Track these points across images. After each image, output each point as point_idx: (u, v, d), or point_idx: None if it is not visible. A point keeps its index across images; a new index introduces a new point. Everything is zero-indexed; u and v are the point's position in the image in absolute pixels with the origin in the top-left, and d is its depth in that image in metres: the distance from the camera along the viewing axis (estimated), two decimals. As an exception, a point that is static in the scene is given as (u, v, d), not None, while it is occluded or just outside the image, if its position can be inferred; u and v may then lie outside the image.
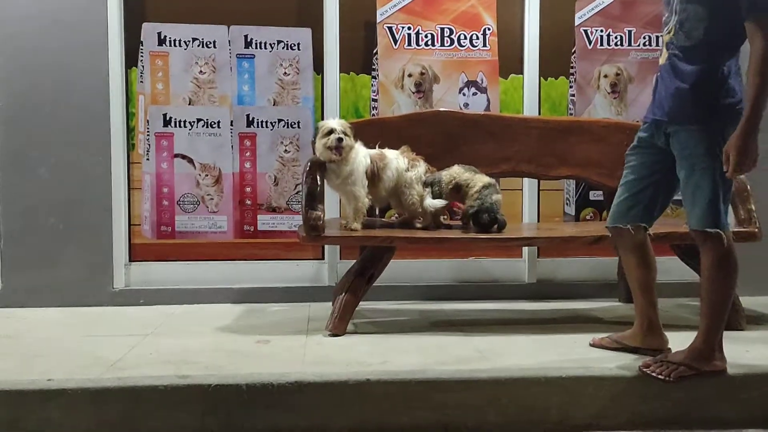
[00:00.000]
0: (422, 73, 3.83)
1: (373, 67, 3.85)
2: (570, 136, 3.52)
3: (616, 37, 3.94)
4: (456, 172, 3.20)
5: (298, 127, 3.83)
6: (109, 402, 2.28)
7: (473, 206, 3.09)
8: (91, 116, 3.58)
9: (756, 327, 3.16)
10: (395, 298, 3.70)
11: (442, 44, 3.85)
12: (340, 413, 2.33)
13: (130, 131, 3.75)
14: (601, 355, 2.67)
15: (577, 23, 3.93)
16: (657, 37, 3.91)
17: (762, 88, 2.21)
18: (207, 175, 3.81)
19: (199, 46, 3.76)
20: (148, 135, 3.76)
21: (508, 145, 3.49)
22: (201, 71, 3.77)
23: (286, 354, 2.69)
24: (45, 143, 3.55)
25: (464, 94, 3.88)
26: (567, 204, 4.04)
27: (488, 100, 3.88)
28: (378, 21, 3.81)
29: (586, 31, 3.94)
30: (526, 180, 3.85)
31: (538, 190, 3.91)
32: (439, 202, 3.13)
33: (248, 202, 3.85)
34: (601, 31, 3.94)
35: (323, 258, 3.83)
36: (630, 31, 3.94)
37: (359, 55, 3.88)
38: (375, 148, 3.20)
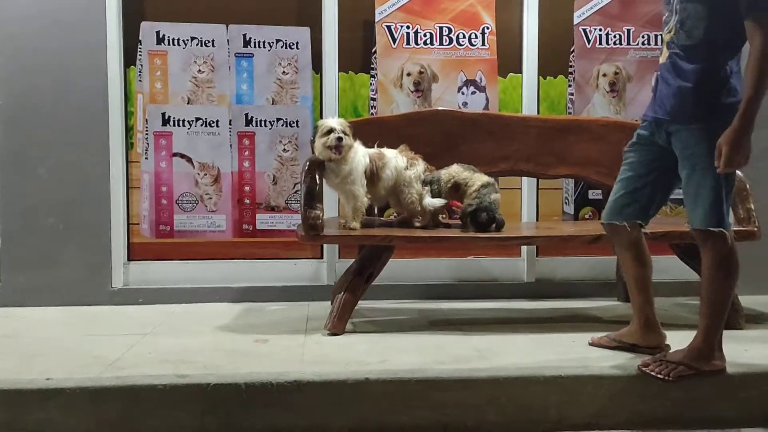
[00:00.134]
0: (421, 72, 3.83)
1: (372, 66, 3.85)
2: (569, 135, 3.52)
3: (614, 36, 3.95)
4: (455, 171, 3.20)
5: (297, 126, 3.83)
6: (108, 401, 2.28)
7: (471, 205, 3.09)
8: (90, 116, 3.57)
9: (755, 326, 3.16)
10: (394, 297, 3.70)
11: (441, 43, 3.85)
12: (339, 412, 2.33)
13: (129, 130, 3.74)
14: (600, 354, 2.67)
15: (575, 22, 3.93)
16: (656, 36, 3.91)
17: (759, 85, 2.22)
18: (206, 174, 3.81)
19: (197, 45, 3.76)
20: (146, 134, 3.76)
21: (506, 144, 3.50)
22: (200, 70, 3.77)
23: (285, 353, 2.69)
24: (44, 143, 3.55)
25: (463, 93, 3.88)
26: (566, 203, 4.04)
27: (487, 99, 3.88)
28: (377, 20, 3.81)
29: (584, 30, 3.94)
30: (525, 179, 3.85)
31: (537, 189, 3.92)
32: (438, 201, 3.13)
33: (247, 201, 3.85)
34: (600, 30, 3.94)
35: (322, 257, 3.83)
36: (629, 30, 3.94)
37: (358, 54, 3.87)
38: (374, 147, 3.20)
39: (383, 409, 2.34)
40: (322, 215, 2.99)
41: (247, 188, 3.84)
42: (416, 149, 3.25)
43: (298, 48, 3.81)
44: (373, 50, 3.84)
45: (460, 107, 3.84)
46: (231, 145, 3.81)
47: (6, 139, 3.54)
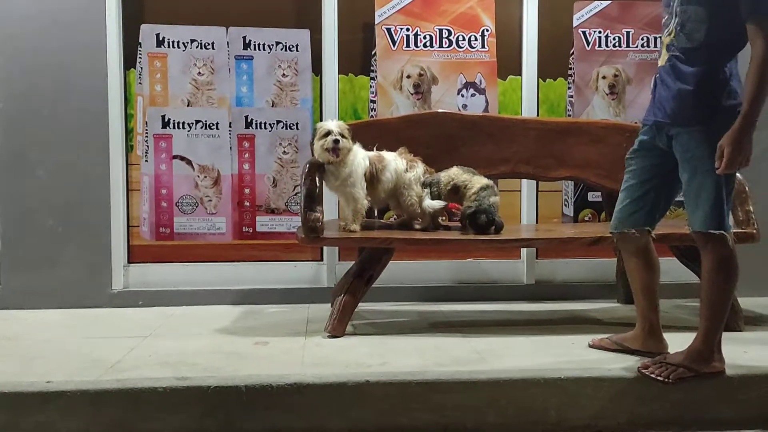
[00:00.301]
0: (421, 75, 3.84)
1: (372, 68, 3.85)
2: (568, 138, 3.53)
3: (614, 39, 3.95)
4: (454, 173, 3.20)
5: (297, 128, 3.83)
6: (108, 404, 2.28)
7: (471, 207, 3.09)
8: (89, 118, 3.58)
9: (754, 328, 3.16)
10: (394, 300, 3.71)
11: (441, 45, 3.85)
12: (339, 414, 2.33)
13: (129, 132, 3.75)
14: (599, 356, 2.67)
15: (575, 24, 3.94)
16: (655, 39, 3.92)
17: (761, 87, 2.22)
18: (206, 177, 3.81)
19: (197, 47, 3.76)
20: (146, 136, 3.76)
21: (506, 147, 3.50)
22: (199, 73, 3.77)
23: (285, 355, 2.69)
24: (44, 144, 3.55)
25: (463, 96, 3.88)
26: (565, 205, 4.04)
27: (487, 101, 3.89)
28: (376, 22, 3.81)
29: (584, 33, 3.95)
30: (524, 181, 3.85)
31: (537, 191, 3.92)
32: (438, 204, 3.13)
33: (247, 203, 3.85)
34: (600, 32, 3.94)
35: (322, 259, 3.83)
36: (628, 33, 3.95)
37: (358, 57, 3.88)
38: (373, 150, 3.20)
39: (383, 411, 2.34)
40: (322, 217, 2.99)
41: (247, 191, 3.85)
42: (416, 151, 3.25)
43: (297, 50, 3.81)
44: (373, 52, 3.84)
45: (459, 109, 3.84)
46: (231, 148, 3.81)
47: (6, 140, 3.54)
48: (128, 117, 3.74)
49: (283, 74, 3.81)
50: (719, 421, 2.40)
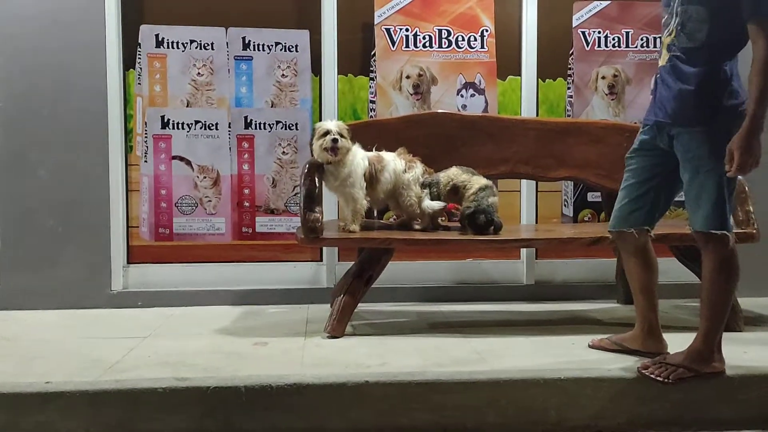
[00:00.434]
0: (420, 75, 3.84)
1: (371, 68, 3.85)
2: (568, 138, 3.53)
3: (613, 39, 3.95)
4: (454, 173, 3.20)
5: (296, 128, 3.83)
6: (107, 404, 2.27)
7: (469, 207, 3.09)
8: (89, 118, 3.57)
9: (754, 328, 3.16)
10: (394, 300, 3.70)
11: (440, 46, 3.85)
12: (339, 415, 2.32)
13: (128, 133, 3.74)
14: (599, 356, 2.67)
15: (574, 25, 3.94)
16: (655, 39, 3.92)
17: (766, 88, 2.22)
18: (205, 177, 3.81)
19: (196, 48, 3.76)
20: (145, 137, 3.76)
21: (506, 147, 3.50)
22: (199, 73, 3.77)
23: (285, 356, 2.69)
24: (43, 144, 3.55)
25: (462, 96, 3.88)
26: (565, 205, 4.04)
27: (486, 101, 3.89)
28: (376, 23, 3.81)
29: (583, 33, 3.95)
30: (524, 181, 3.85)
31: (536, 191, 3.92)
32: (437, 204, 3.13)
33: (246, 204, 3.85)
34: (599, 32, 3.94)
35: (321, 260, 3.83)
36: (627, 33, 3.95)
37: (357, 57, 3.88)
38: (372, 150, 3.20)
39: (383, 411, 2.33)
40: (322, 218, 2.99)
41: (246, 191, 3.84)
42: (415, 152, 3.25)
43: (297, 51, 3.81)
44: (373, 53, 3.84)
45: (459, 110, 3.84)
46: (230, 148, 3.81)
47: (5, 140, 3.54)
48: (127, 117, 3.74)
49: (283, 75, 3.81)
50: (719, 422, 2.40)
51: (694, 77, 2.36)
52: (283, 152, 3.83)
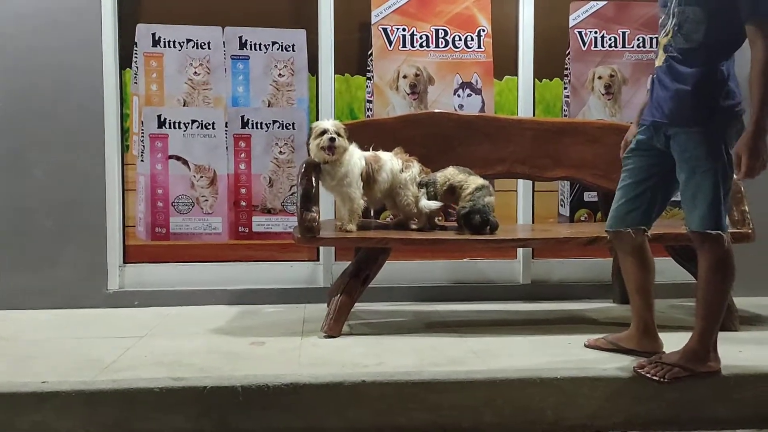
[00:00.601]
0: (417, 75, 3.84)
1: (368, 68, 3.85)
2: (564, 138, 3.53)
3: (610, 39, 3.96)
4: (450, 173, 3.20)
5: (293, 128, 3.83)
6: (103, 404, 2.27)
7: (465, 207, 3.10)
8: (85, 118, 3.57)
9: (749, 327, 3.17)
10: (390, 300, 3.71)
11: (437, 46, 3.85)
12: (335, 415, 2.33)
13: (125, 132, 3.74)
14: (596, 356, 2.68)
15: (571, 25, 3.95)
16: (651, 39, 3.93)
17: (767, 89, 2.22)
18: (202, 177, 3.80)
19: (193, 47, 3.76)
20: (142, 136, 3.75)
21: (502, 147, 3.50)
22: (195, 72, 3.77)
23: (282, 355, 2.69)
24: (39, 144, 3.54)
25: (459, 96, 3.88)
26: (561, 205, 4.04)
27: (483, 101, 3.89)
28: (373, 22, 3.81)
29: (580, 33, 3.95)
30: (520, 181, 3.86)
31: (533, 191, 3.92)
32: (434, 204, 3.13)
33: (243, 203, 3.84)
34: (596, 32, 3.95)
35: (318, 259, 3.83)
36: (624, 33, 3.96)
37: (354, 57, 3.88)
38: (369, 150, 3.20)
39: (380, 411, 2.34)
40: (319, 217, 2.99)
41: (243, 190, 3.84)
42: (412, 151, 3.25)
43: (294, 50, 3.81)
44: (369, 52, 3.84)
45: (456, 109, 3.85)
46: (227, 148, 3.81)
47: (1, 139, 3.53)
48: (124, 117, 3.73)
49: (280, 74, 3.81)
50: (715, 421, 2.41)
51: (691, 78, 2.36)
52: (280, 152, 3.83)
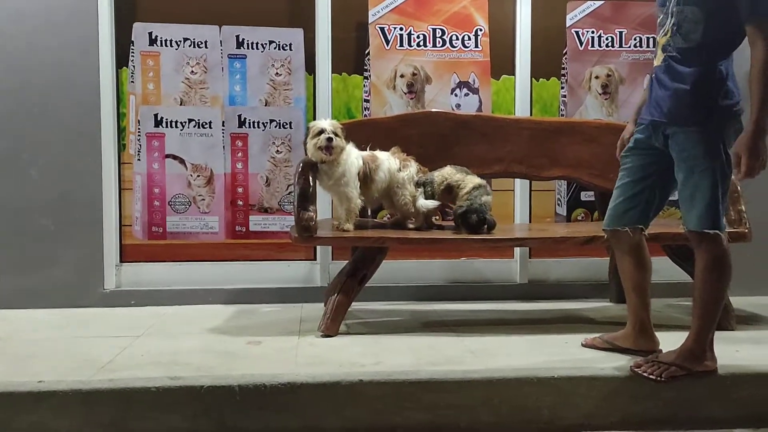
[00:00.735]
0: (414, 74, 3.84)
1: (365, 67, 3.85)
2: (561, 137, 3.53)
3: (607, 39, 3.96)
4: (448, 173, 3.20)
5: (290, 127, 3.83)
6: (100, 404, 2.27)
7: (462, 207, 3.10)
8: (82, 116, 3.56)
9: (746, 327, 3.18)
10: (387, 299, 3.71)
11: (434, 45, 3.85)
12: (333, 414, 2.33)
13: (121, 131, 3.73)
14: (592, 355, 2.68)
15: (568, 24, 3.95)
16: (648, 39, 3.93)
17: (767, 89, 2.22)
18: (198, 176, 3.80)
19: (190, 46, 3.75)
20: (139, 135, 3.75)
21: (499, 146, 3.50)
22: (192, 71, 3.76)
23: (279, 355, 2.68)
24: (35, 143, 3.53)
25: (456, 95, 3.88)
26: (558, 204, 4.05)
27: (480, 100, 3.89)
28: (370, 21, 3.81)
29: (577, 33, 3.95)
30: (517, 180, 3.86)
31: (530, 190, 3.92)
32: (432, 203, 3.13)
33: (240, 202, 3.84)
34: (593, 32, 3.95)
35: (315, 259, 3.82)
36: (621, 33, 3.96)
37: (351, 56, 3.87)
38: (367, 149, 3.20)
39: (377, 410, 2.34)
40: (316, 217, 2.99)
41: (240, 190, 3.84)
42: (409, 151, 3.25)
43: (291, 49, 3.81)
44: (367, 52, 3.84)
45: (453, 109, 3.85)
46: (224, 147, 3.80)
47: (-3, 139, 3.53)
48: (120, 116, 3.72)
49: (277, 73, 3.81)
50: (712, 420, 2.41)
51: (690, 77, 2.36)
52: (277, 151, 3.83)
